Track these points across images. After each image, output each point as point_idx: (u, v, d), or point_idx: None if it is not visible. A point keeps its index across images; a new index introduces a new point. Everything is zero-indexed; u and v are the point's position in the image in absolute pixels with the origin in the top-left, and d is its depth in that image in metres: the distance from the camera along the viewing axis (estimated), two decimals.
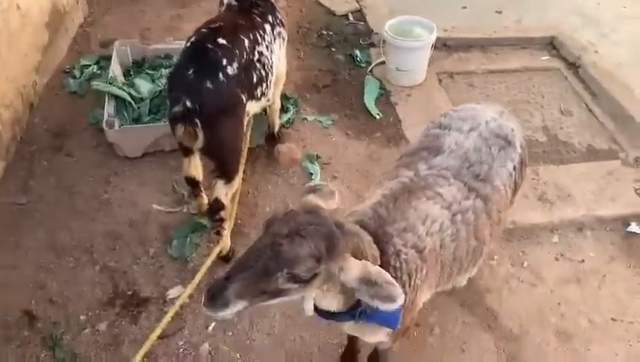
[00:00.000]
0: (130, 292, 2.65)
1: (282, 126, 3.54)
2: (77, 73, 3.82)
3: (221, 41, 2.33)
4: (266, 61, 2.62)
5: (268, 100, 2.82)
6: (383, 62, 4.03)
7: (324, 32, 4.53)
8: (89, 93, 3.67)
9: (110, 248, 2.84)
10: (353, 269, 1.35)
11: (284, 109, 3.62)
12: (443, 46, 4.29)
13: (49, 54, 3.72)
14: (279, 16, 2.86)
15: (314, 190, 1.52)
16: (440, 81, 4.05)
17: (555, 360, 2.43)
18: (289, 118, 3.63)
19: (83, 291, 2.63)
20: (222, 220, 2.57)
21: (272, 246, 1.30)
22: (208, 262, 2.60)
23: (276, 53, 2.80)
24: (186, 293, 2.51)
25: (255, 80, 2.53)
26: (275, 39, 2.78)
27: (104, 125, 3.13)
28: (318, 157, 3.39)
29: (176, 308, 2.46)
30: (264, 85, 2.63)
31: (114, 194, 3.12)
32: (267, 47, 2.65)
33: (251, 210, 3.04)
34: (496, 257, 2.80)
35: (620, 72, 4.00)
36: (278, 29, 2.80)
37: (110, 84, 3.39)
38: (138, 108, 3.41)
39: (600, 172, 3.26)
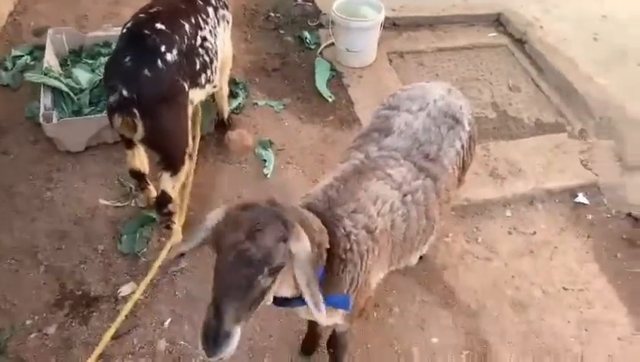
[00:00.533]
0: (79, 293, 2.53)
1: (232, 112, 3.45)
2: (9, 65, 3.58)
3: (159, 26, 2.22)
4: (210, 46, 2.52)
5: (214, 87, 2.72)
6: (333, 44, 3.97)
7: (272, 14, 4.42)
8: (23, 85, 3.45)
9: (56, 248, 2.70)
10: (305, 239, 1.34)
11: (233, 95, 3.52)
12: (392, 25, 4.27)
13: None
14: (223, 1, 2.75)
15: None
16: (390, 61, 4.04)
17: (511, 332, 2.49)
18: (239, 104, 3.54)
19: (28, 294, 2.50)
20: (170, 214, 2.48)
21: (240, 255, 1.26)
22: (161, 257, 2.51)
23: (220, 37, 2.70)
24: (139, 290, 2.43)
25: (198, 66, 2.43)
26: (219, 22, 2.67)
27: (41, 119, 2.95)
28: (271, 143, 3.32)
29: (129, 305, 2.38)
30: (209, 72, 2.52)
31: (57, 191, 2.95)
32: (210, 31, 2.55)
33: (204, 201, 2.95)
34: (450, 234, 2.83)
35: (565, 47, 4.09)
36: (221, 11, 2.70)
37: (45, 75, 3.19)
38: (78, 99, 3.23)
39: (548, 145, 3.34)
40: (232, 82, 3.58)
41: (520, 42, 4.26)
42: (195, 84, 2.43)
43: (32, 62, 3.61)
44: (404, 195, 1.75)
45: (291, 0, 4.60)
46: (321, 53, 4.06)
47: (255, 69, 3.90)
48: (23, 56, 3.65)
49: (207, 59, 2.49)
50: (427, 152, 1.85)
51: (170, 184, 2.41)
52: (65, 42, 3.57)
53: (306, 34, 4.20)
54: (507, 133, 3.50)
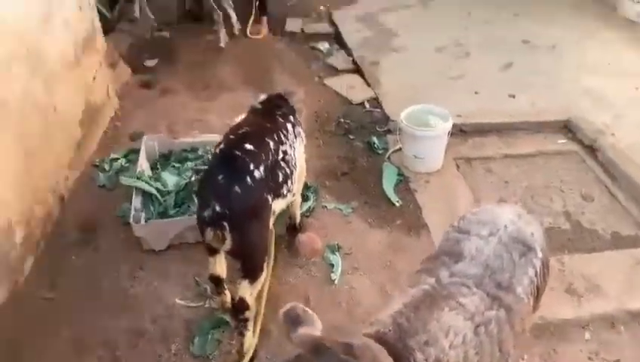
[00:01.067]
0: None
1: (303, 215, 3.60)
2: (106, 167, 4.00)
3: (248, 146, 2.46)
4: (290, 159, 2.74)
5: (293, 195, 2.91)
6: (400, 149, 4.13)
7: (342, 120, 4.69)
8: (118, 186, 3.81)
9: (133, 345, 2.83)
10: None
11: (304, 198, 3.69)
12: (459, 131, 4.39)
13: (81, 149, 3.92)
14: (298, 117, 3.01)
15: (294, 319, 1.51)
16: (458, 166, 4.11)
17: None
18: (309, 207, 3.70)
19: None
20: (246, 320, 2.58)
21: None
22: None
23: (298, 150, 2.92)
24: None
25: (281, 178, 2.63)
26: (296, 137, 2.92)
27: (131, 220, 3.23)
28: (339, 247, 3.41)
29: None
30: (289, 182, 2.73)
31: (139, 288, 3.15)
32: (290, 145, 2.78)
33: (273, 304, 3.03)
34: (525, 356, 2.71)
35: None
36: (297, 128, 2.95)
37: (138, 178, 3.53)
38: (164, 201, 3.52)
39: (628, 261, 3.19)
40: (304, 186, 3.77)
41: (591, 149, 4.23)
42: (277, 195, 2.62)
43: (127, 165, 4.01)
44: (477, 326, 1.75)
45: (360, 107, 4.89)
46: (389, 158, 4.22)
47: (325, 172, 4.10)
48: (119, 159, 4.07)
49: (288, 171, 2.70)
50: (499, 281, 1.86)
51: (248, 291, 2.53)
52: (156, 147, 3.95)
53: (375, 139, 4.40)
54: (582, 246, 3.39)
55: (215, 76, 5.30)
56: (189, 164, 3.83)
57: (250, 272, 2.51)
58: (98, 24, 4.39)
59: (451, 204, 3.70)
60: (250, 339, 2.68)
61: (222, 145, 2.53)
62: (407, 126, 3.89)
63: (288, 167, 2.71)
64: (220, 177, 2.35)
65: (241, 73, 5.41)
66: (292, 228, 3.48)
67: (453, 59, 5.47)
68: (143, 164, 3.72)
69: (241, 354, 2.66)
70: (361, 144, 4.42)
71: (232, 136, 2.57)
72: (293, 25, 6.35)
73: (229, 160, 2.42)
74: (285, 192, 2.70)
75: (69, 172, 3.74)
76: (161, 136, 4.04)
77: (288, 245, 3.44)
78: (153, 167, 3.87)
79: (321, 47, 5.90)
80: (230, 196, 2.31)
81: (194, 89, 5.10)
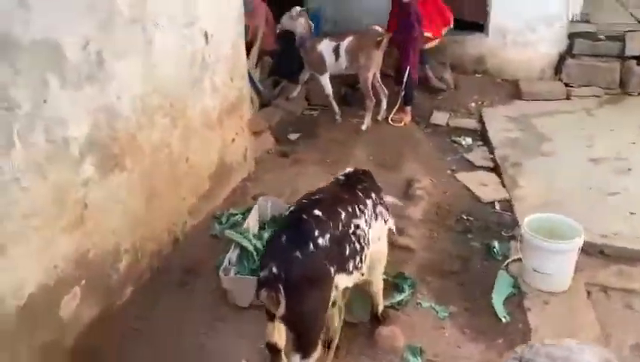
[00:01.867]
0: None
1: (392, 307, 3.35)
2: (224, 220, 4.25)
3: (317, 212, 2.42)
4: (362, 234, 2.62)
5: (362, 275, 2.74)
6: (520, 259, 3.65)
7: (464, 217, 4.38)
8: (225, 238, 4.01)
9: None
10: None
11: (398, 288, 3.45)
12: (600, 254, 3.76)
13: (205, 200, 4.25)
14: (383, 200, 2.94)
15: None
16: (589, 293, 3.48)
17: None
18: (402, 300, 3.42)
19: None
20: None
21: None
22: None
23: (376, 231, 2.79)
24: None
25: (348, 252, 2.52)
26: (376, 217, 2.81)
27: (221, 271, 3.34)
28: (422, 351, 3.05)
29: None
30: (357, 259, 2.59)
31: (213, 340, 3.18)
32: (366, 221, 2.68)
33: None
34: None
35: None
36: (380, 208, 2.86)
37: (241, 233, 3.67)
38: (258, 260, 3.58)
39: None
40: (401, 276, 3.54)
41: None
42: (342, 269, 2.49)
43: (242, 221, 4.22)
44: None
45: (489, 206, 4.53)
46: (506, 266, 3.76)
47: (430, 267, 3.80)
48: (237, 214, 4.31)
49: (357, 246, 2.57)
50: None
51: None
52: (269, 209, 4.11)
53: (496, 243, 3.98)
54: None
55: (348, 154, 5.44)
56: None
57: (303, 346, 2.39)
58: (247, 94, 4.89)
59: (570, 335, 3.09)
60: None
61: (292, 207, 2.52)
62: (529, 234, 3.46)
63: (359, 242, 2.58)
64: (283, 239, 2.33)
65: (374, 155, 5.47)
66: (375, 318, 3.24)
67: (609, 173, 4.81)
68: (251, 222, 3.87)
69: None
70: (479, 245, 4.03)
71: (304, 201, 2.56)
72: (439, 118, 6.32)
73: (295, 222, 2.40)
74: (351, 268, 2.56)
75: (188, 218, 4.06)
76: (274, 198, 4.21)
77: (368, 334, 3.19)
78: (262, 227, 4.01)
79: (462, 142, 5.72)
80: (289, 259, 2.26)
81: (324, 162, 5.28)
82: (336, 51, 5.76)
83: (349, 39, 5.74)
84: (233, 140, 4.64)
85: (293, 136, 5.94)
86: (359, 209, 2.66)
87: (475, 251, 3.99)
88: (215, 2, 4.08)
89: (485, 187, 4.78)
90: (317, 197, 2.60)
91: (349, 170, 3.04)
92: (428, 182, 4.81)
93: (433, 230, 4.22)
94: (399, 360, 3.02)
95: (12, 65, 2.34)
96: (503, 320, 3.30)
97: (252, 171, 5.09)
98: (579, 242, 3.37)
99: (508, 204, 4.50)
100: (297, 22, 5.81)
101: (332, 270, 2.41)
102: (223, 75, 4.32)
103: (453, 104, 6.63)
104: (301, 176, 5.03)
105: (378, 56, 5.78)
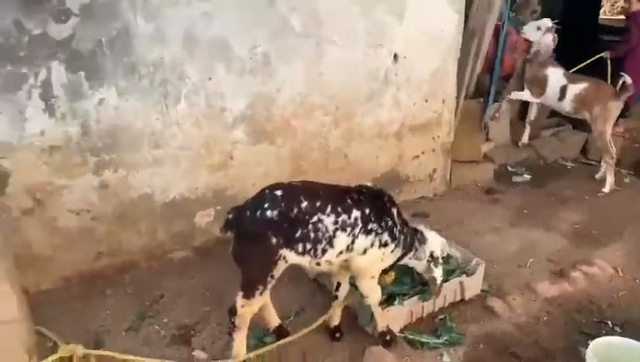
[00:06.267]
0: None
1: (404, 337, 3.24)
2: None
3: (277, 192, 2.81)
4: (324, 230, 2.80)
5: (318, 264, 2.90)
6: None
7: None
8: None
9: None
10: None
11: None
12: None
13: None
14: (389, 224, 2.97)
15: None
16: None
17: None
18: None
19: None
20: (234, 324, 2.95)
21: None
22: None
23: (360, 245, 2.90)
24: None
25: (299, 235, 2.78)
26: (365, 233, 2.90)
27: None
28: None
29: None
30: (310, 246, 2.81)
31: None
32: (338, 223, 2.81)
33: None
34: None
35: None
36: (372, 225, 2.92)
37: None
38: None
39: None
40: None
41: None
42: (289, 245, 2.79)
43: None
44: None
45: None
46: None
47: None
48: None
49: (312, 235, 2.79)
50: None
51: (240, 302, 2.88)
52: None
53: None
54: None
55: (551, 215, 4.77)
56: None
57: (243, 285, 2.87)
58: (448, 119, 5.02)
59: None
60: (239, 347, 3.00)
61: (272, 185, 2.95)
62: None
63: (316, 233, 2.79)
64: (249, 201, 2.88)
65: (586, 221, 4.60)
66: (380, 335, 3.24)
67: None
68: None
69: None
70: None
71: (284, 182, 2.94)
72: None
73: (260, 193, 2.87)
74: (300, 249, 2.81)
75: None
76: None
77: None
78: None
79: None
80: (242, 214, 2.81)
81: (520, 214, 4.89)
82: (562, 91, 5.03)
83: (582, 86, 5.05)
84: (417, 157, 4.95)
85: (517, 179, 5.54)
86: (334, 210, 2.84)
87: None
88: (416, 33, 4.57)
89: None
90: (295, 183, 2.97)
91: (367, 183, 3.13)
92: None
93: None
94: None
95: (190, 52, 3.76)
96: None
97: (438, 193, 5.21)
98: None
99: None
100: (544, 36, 5.33)
101: (274, 239, 2.77)
102: (413, 95, 4.73)
103: None
104: (476, 214, 4.83)
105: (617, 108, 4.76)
